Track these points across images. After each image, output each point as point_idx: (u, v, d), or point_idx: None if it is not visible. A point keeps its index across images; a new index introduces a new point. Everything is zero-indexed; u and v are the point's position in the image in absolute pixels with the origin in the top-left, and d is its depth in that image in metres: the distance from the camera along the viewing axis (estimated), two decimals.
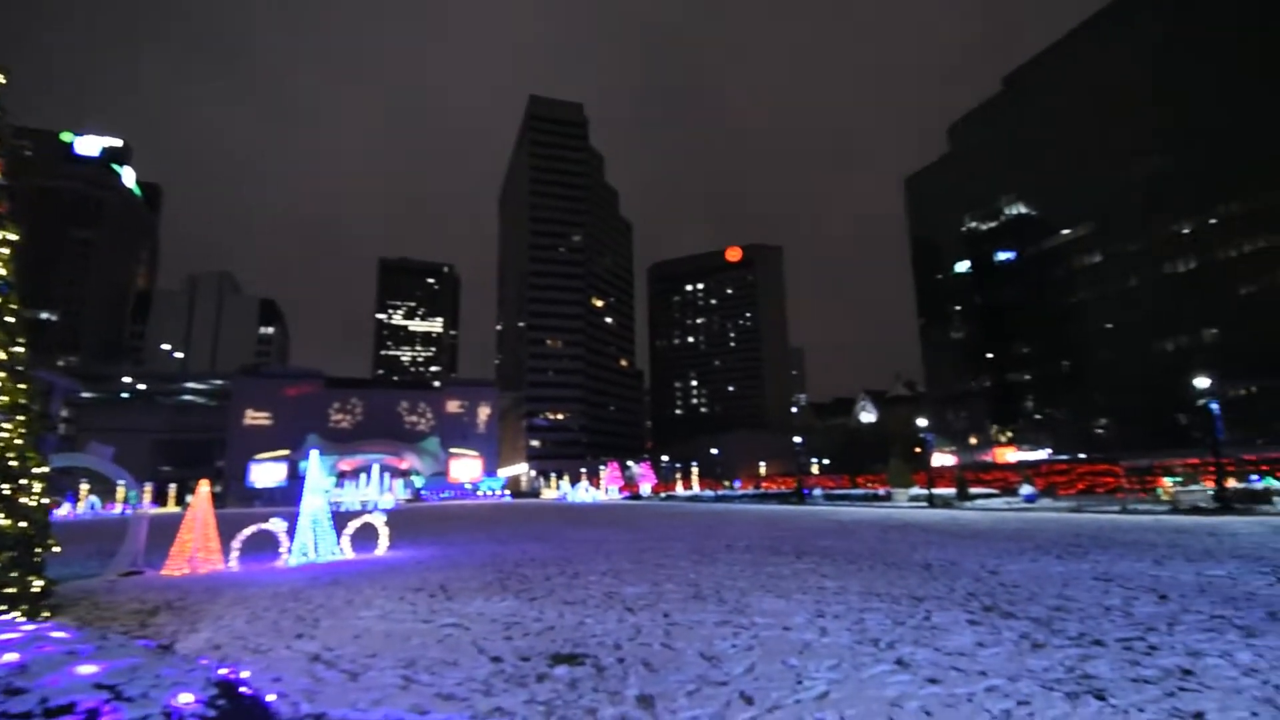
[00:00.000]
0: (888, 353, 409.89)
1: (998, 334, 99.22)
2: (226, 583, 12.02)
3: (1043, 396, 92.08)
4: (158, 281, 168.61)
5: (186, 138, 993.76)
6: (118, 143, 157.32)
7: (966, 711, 4.35)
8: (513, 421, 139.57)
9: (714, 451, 77.79)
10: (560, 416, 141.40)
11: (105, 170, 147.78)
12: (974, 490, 36.07)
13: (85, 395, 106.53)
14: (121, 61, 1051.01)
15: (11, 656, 5.24)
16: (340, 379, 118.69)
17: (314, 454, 16.54)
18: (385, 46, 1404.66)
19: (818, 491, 48.95)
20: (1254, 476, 26.68)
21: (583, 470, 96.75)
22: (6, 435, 8.02)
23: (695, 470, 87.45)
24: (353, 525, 16.76)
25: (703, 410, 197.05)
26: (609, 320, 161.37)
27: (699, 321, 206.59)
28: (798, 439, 58.28)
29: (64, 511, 59.78)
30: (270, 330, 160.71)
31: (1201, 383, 26.27)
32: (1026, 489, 32.21)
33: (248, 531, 14.92)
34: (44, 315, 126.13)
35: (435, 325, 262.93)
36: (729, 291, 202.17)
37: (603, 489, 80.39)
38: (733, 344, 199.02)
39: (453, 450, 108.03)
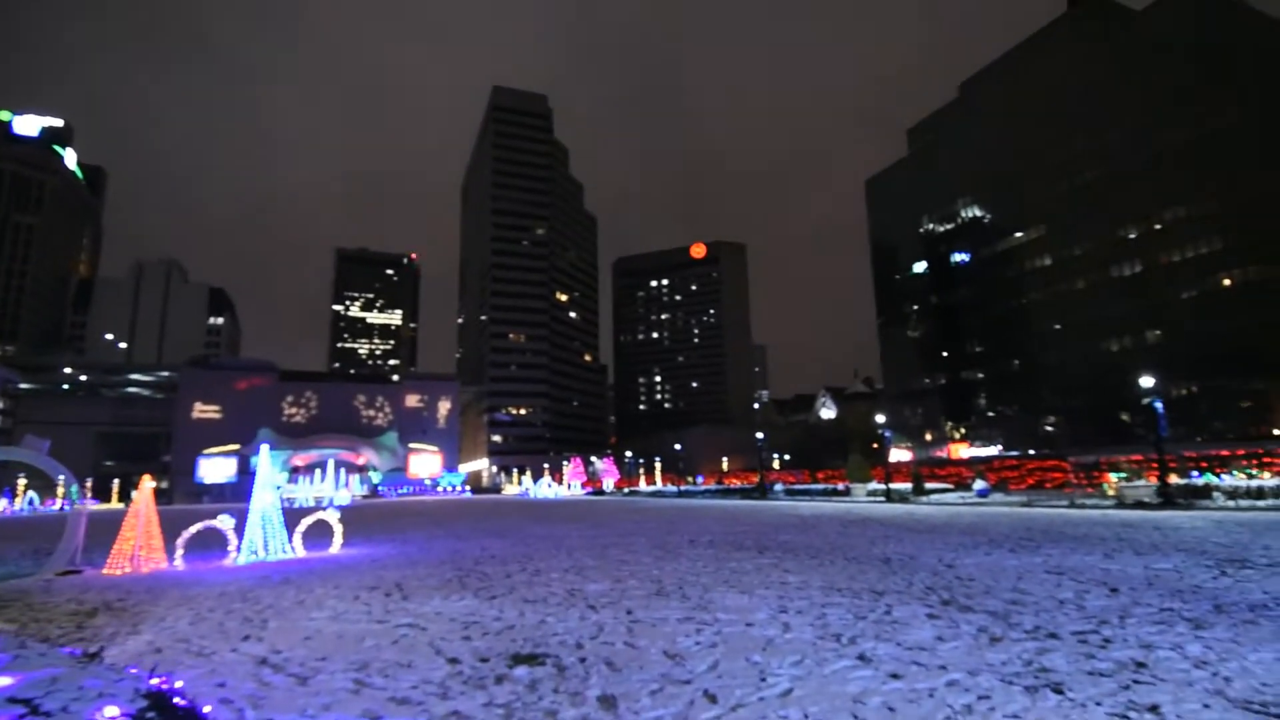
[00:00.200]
0: (848, 351, 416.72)
1: (953, 333, 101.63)
2: (170, 582, 11.50)
3: (995, 394, 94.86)
4: (101, 268, 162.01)
5: (132, 119, 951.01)
6: (58, 123, 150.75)
7: (928, 707, 4.34)
8: (474, 416, 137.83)
9: (677, 447, 78.09)
10: (523, 411, 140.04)
11: (45, 151, 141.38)
12: (929, 485, 36.89)
13: (24, 386, 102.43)
14: (62, 37, 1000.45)
15: None
16: (294, 372, 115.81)
17: (264, 449, 15.99)
18: (346, 34, 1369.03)
19: (779, 487, 49.52)
20: (1195, 473, 27.86)
21: (545, 465, 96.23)
22: None
23: (659, 465, 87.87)
24: (305, 522, 16.27)
25: (666, 406, 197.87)
26: (573, 315, 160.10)
27: (663, 317, 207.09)
28: (760, 435, 58.79)
29: (0, 507, 57.12)
30: (220, 321, 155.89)
31: (1146, 382, 27.38)
32: (980, 484, 33.18)
33: (194, 529, 14.29)
34: None
35: (395, 318, 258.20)
36: (693, 288, 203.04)
37: (565, 484, 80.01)
38: (696, 340, 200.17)
39: (412, 445, 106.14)
